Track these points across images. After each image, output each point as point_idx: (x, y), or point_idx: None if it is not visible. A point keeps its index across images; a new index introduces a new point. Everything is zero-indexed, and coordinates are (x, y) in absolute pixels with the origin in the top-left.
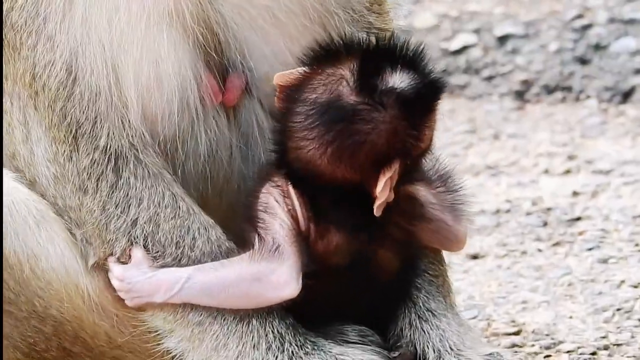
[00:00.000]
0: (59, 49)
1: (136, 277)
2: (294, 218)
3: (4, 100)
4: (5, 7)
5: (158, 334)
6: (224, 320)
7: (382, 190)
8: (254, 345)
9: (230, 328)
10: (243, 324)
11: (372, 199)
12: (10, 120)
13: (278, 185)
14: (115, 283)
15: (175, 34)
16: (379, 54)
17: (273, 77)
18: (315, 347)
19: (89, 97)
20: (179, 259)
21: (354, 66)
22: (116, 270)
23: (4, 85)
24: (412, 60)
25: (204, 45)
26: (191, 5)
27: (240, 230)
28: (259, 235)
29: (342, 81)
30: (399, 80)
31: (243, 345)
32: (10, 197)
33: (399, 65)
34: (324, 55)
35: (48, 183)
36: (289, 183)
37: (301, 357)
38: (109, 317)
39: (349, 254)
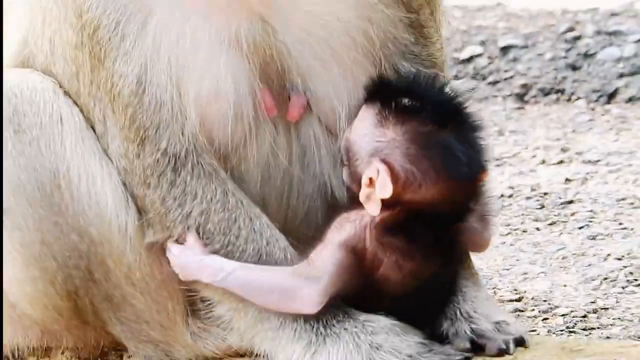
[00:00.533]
0: (132, 63)
1: (189, 257)
2: (359, 252)
3: (88, 101)
4: (92, 25)
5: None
6: None
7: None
8: (294, 316)
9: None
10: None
11: (449, 223)
12: (92, 117)
13: (353, 220)
14: (172, 259)
15: (234, 57)
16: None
17: (330, 98)
18: (346, 315)
19: (154, 107)
20: (226, 245)
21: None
22: (174, 249)
23: (89, 89)
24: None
25: (262, 66)
26: (250, 35)
27: (307, 240)
28: (309, 256)
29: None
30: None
31: (284, 315)
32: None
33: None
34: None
35: (120, 171)
36: (366, 218)
37: (334, 325)
38: (134, 253)
39: (417, 280)
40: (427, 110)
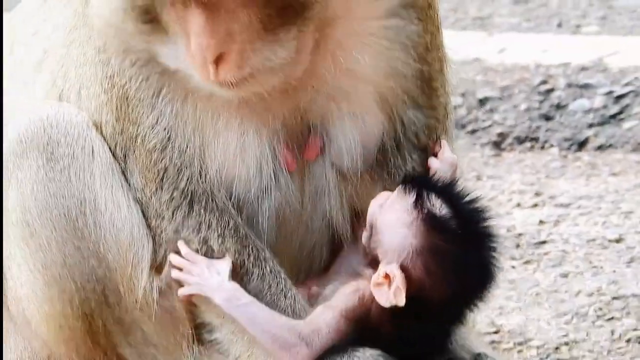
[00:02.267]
0: (162, 118)
1: (213, 276)
2: (360, 321)
3: (110, 141)
4: (117, 85)
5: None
6: None
7: None
8: None
9: None
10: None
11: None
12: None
13: (362, 292)
14: (189, 269)
15: (261, 117)
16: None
17: (344, 141)
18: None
19: (177, 155)
20: (236, 267)
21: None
22: (201, 261)
23: (112, 132)
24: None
25: (284, 115)
26: (280, 102)
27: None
28: (311, 316)
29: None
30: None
31: None
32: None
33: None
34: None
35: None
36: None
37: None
38: (145, 278)
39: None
40: (454, 225)
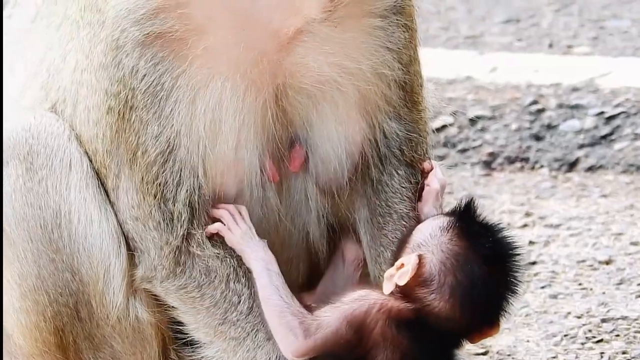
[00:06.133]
0: (166, 127)
1: (248, 236)
2: (363, 333)
3: (104, 155)
4: (125, 89)
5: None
6: (255, 336)
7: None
8: (279, 358)
9: (260, 344)
10: (271, 341)
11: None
12: (104, 170)
13: (373, 302)
14: (229, 222)
15: (255, 131)
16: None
17: (327, 153)
18: None
19: (179, 167)
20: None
21: None
22: (238, 224)
23: (109, 146)
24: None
25: (274, 133)
26: (270, 110)
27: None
28: (318, 310)
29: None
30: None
31: (269, 359)
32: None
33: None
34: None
35: (126, 220)
36: (385, 307)
37: None
38: (116, 295)
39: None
40: (487, 247)
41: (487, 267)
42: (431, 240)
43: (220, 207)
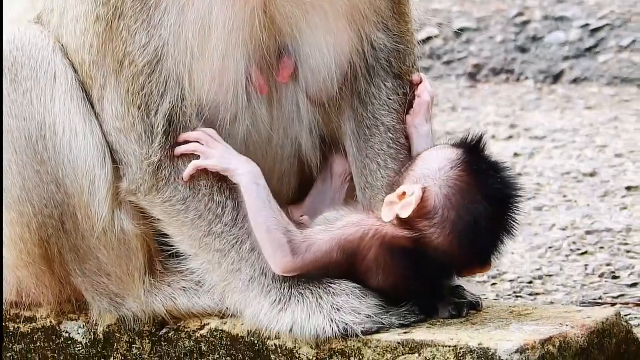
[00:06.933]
0: (154, 37)
1: (228, 153)
2: (355, 258)
3: (90, 66)
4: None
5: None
6: (240, 248)
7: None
8: (264, 272)
9: (244, 256)
10: (256, 252)
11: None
12: (91, 81)
13: (368, 228)
14: (207, 141)
15: (240, 35)
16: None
17: (316, 63)
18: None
19: (165, 77)
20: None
21: None
22: (217, 141)
23: (95, 56)
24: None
25: (258, 38)
26: (258, 19)
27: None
28: (309, 230)
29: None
30: None
31: (254, 271)
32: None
33: None
34: None
35: (110, 131)
36: (380, 233)
37: (299, 285)
38: (101, 207)
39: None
40: (494, 187)
41: (491, 207)
42: (438, 173)
43: (188, 135)
